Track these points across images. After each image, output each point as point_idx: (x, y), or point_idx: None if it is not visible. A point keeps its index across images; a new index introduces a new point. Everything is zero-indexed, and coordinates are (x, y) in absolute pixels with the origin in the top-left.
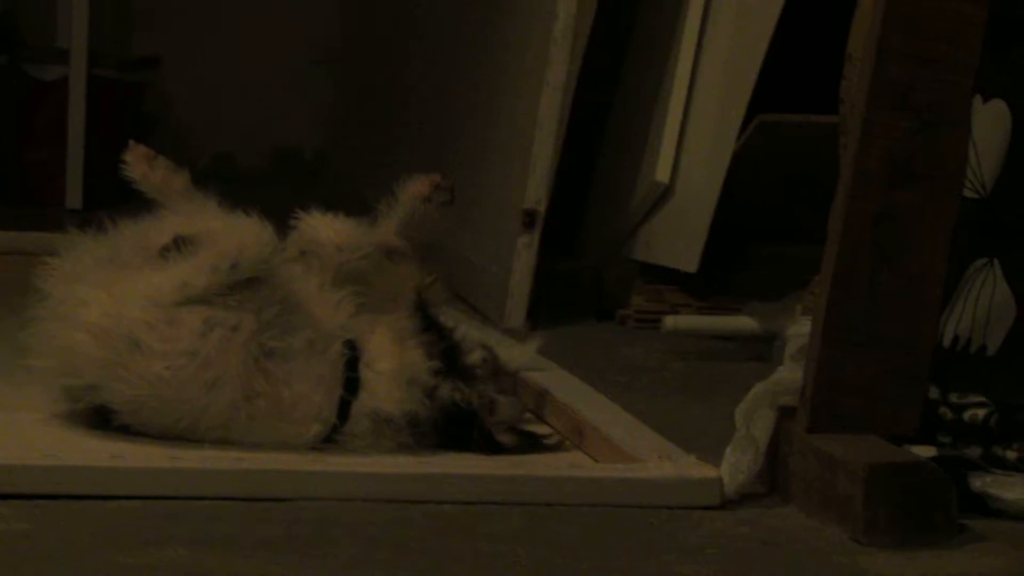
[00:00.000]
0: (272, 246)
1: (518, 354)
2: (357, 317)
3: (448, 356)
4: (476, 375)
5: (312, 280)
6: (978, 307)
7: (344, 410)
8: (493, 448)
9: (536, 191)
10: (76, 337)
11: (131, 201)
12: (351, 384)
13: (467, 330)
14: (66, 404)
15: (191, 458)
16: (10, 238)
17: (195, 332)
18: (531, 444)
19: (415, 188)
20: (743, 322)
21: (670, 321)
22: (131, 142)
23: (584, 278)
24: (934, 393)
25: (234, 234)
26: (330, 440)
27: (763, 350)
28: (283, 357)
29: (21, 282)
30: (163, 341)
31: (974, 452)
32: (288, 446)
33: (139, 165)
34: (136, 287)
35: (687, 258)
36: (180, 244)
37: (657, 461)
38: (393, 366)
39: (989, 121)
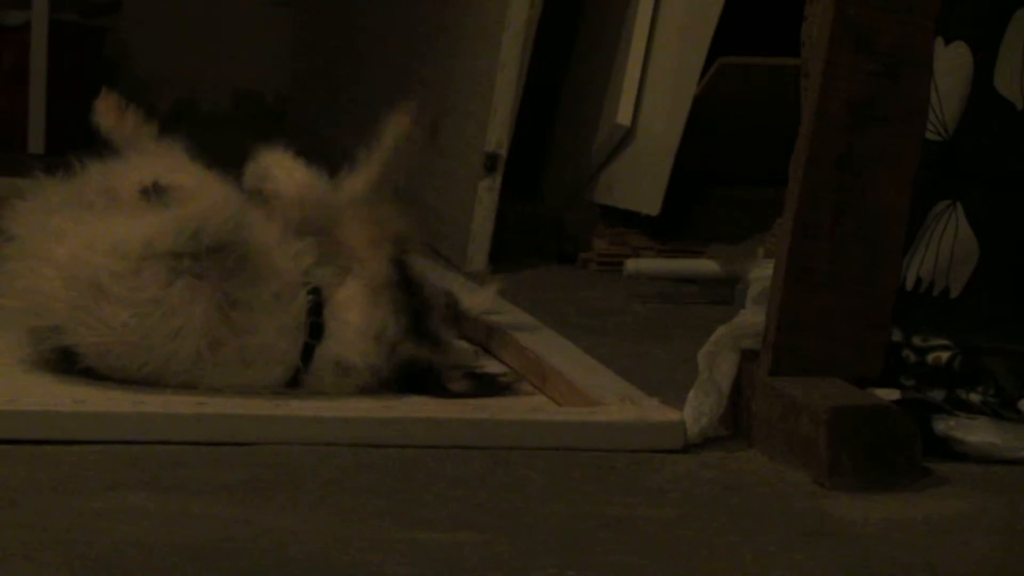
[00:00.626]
0: (237, 215)
1: (480, 299)
2: (325, 267)
3: (417, 314)
4: (439, 336)
5: (273, 228)
6: (940, 249)
7: (308, 355)
8: (447, 396)
9: (497, 135)
10: (44, 272)
11: (93, 145)
12: (315, 329)
13: (434, 280)
14: (31, 347)
15: (154, 403)
16: None
17: (160, 282)
18: (486, 387)
19: (396, 127)
20: (705, 265)
21: (632, 264)
22: (103, 91)
23: (546, 222)
24: (897, 336)
25: (203, 199)
26: (294, 383)
27: (725, 293)
28: (247, 307)
29: None
30: (128, 290)
31: (938, 395)
32: (252, 389)
33: (109, 115)
34: (103, 235)
35: (649, 201)
36: (156, 191)
37: (619, 404)
38: (360, 319)
39: (951, 63)
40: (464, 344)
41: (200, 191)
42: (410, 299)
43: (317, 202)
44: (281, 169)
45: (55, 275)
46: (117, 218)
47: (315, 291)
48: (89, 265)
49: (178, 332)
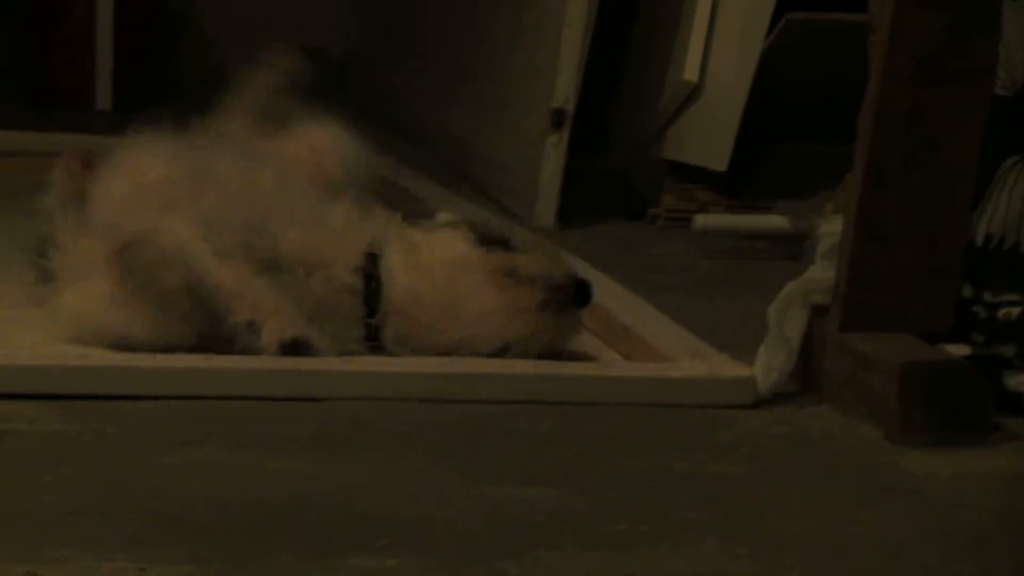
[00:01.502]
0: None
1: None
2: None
3: None
4: None
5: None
6: (1011, 205)
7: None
8: None
9: (564, 90)
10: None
11: (159, 102)
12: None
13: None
14: None
15: (224, 359)
16: (42, 139)
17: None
18: None
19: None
20: (774, 221)
21: (700, 220)
22: None
23: (613, 178)
24: (968, 291)
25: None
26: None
27: (794, 249)
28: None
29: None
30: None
31: (1009, 351)
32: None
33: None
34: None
35: (717, 157)
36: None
37: (689, 360)
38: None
39: (1019, 17)
40: None
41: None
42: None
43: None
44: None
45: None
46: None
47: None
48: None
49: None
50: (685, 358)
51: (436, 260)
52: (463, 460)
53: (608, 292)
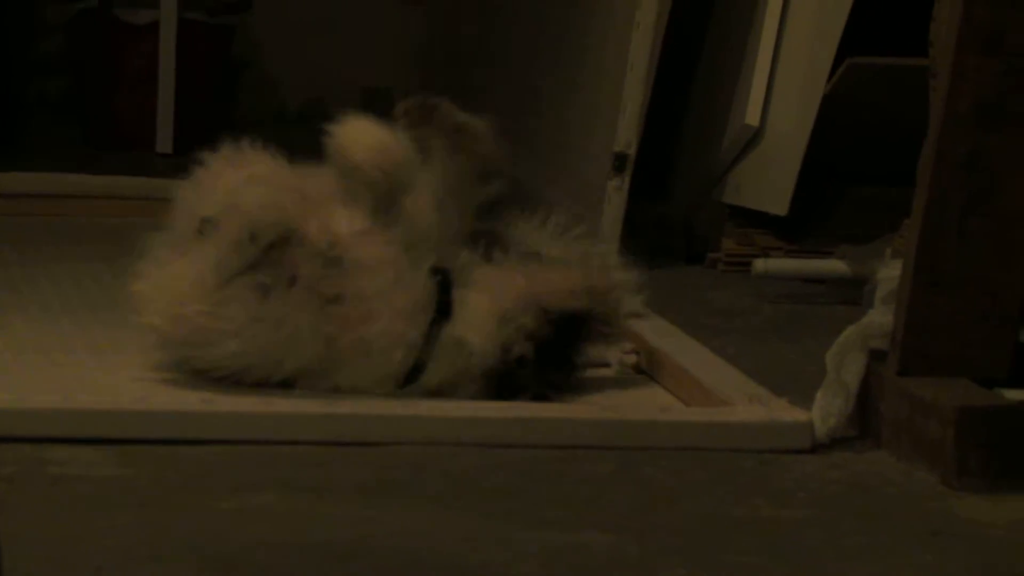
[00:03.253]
0: (278, 209)
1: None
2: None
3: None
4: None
5: (357, 212)
6: None
7: (430, 337)
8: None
9: (627, 134)
10: (152, 320)
11: (220, 146)
12: (442, 308)
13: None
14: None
15: (282, 403)
16: (107, 182)
17: (252, 300)
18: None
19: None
20: (834, 265)
21: (760, 264)
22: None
23: (674, 222)
24: None
25: (244, 203)
26: (416, 369)
27: (854, 293)
28: (360, 298)
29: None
30: (226, 321)
31: None
32: (378, 381)
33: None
34: (182, 277)
35: (777, 201)
36: (205, 225)
37: (748, 404)
38: (489, 303)
39: None
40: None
41: (239, 202)
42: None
43: (399, 165)
44: (355, 138)
45: (164, 323)
46: (187, 260)
47: (442, 272)
48: (187, 309)
49: (290, 338)
50: (743, 402)
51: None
52: (520, 504)
53: (667, 336)
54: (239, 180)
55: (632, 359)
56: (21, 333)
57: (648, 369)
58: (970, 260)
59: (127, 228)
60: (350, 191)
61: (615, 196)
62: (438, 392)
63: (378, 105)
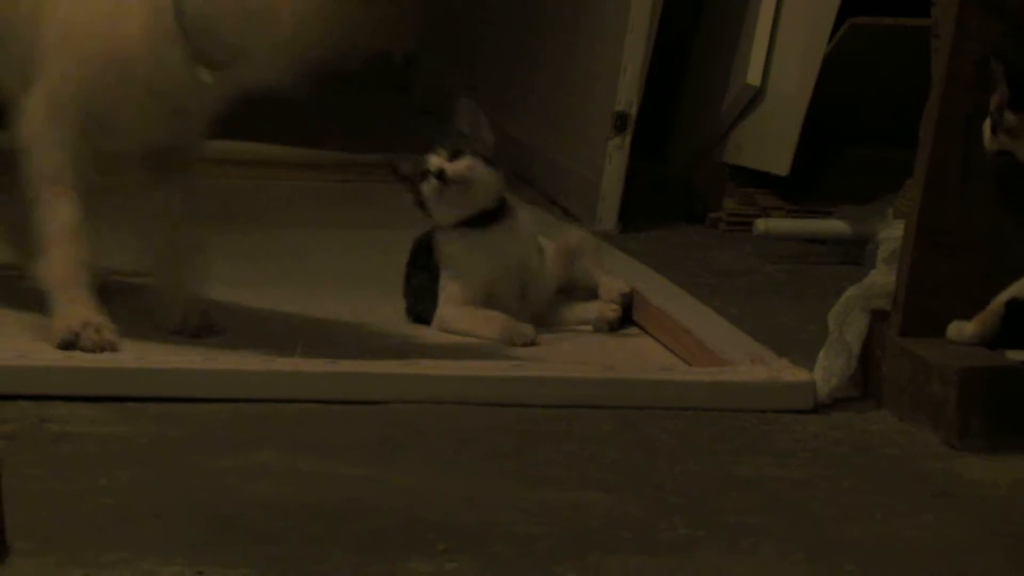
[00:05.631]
0: None
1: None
2: None
3: None
4: None
5: None
6: None
7: None
8: None
9: (627, 94)
10: None
11: None
12: None
13: None
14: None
15: (283, 361)
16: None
17: None
18: None
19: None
20: (835, 225)
21: (762, 224)
22: None
23: (675, 181)
24: None
25: None
26: None
27: (855, 253)
28: None
29: None
30: None
31: None
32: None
33: None
34: None
35: (778, 161)
36: None
37: (749, 364)
38: None
39: None
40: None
41: None
42: None
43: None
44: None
45: None
46: None
47: None
48: None
49: None
50: (745, 362)
51: None
52: (522, 464)
53: (668, 295)
54: None
55: (614, 314)
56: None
57: (643, 324)
58: (971, 221)
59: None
60: None
61: (616, 155)
62: None
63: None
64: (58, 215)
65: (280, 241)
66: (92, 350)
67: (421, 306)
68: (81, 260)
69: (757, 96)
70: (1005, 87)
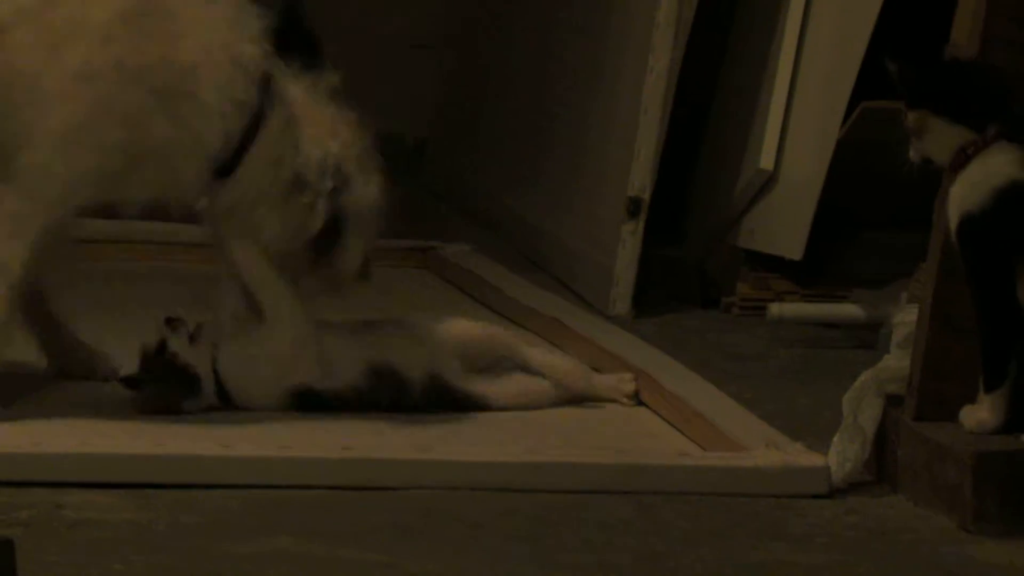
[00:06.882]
0: None
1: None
2: None
3: None
4: None
5: None
6: None
7: None
8: None
9: (641, 178)
10: None
11: None
12: None
13: None
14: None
15: (299, 447)
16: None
17: None
18: None
19: None
20: (849, 309)
21: (775, 309)
22: None
23: (688, 266)
24: None
25: None
26: None
27: (869, 338)
28: None
29: None
30: None
31: None
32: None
33: None
34: None
35: (792, 245)
36: None
37: (764, 449)
38: None
39: None
40: None
41: None
42: None
43: None
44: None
45: None
46: None
47: None
48: None
49: None
50: (760, 447)
51: None
52: (538, 549)
53: (682, 380)
54: None
55: (631, 388)
56: None
57: (656, 408)
58: None
59: None
60: None
61: (629, 240)
62: None
63: (388, 149)
64: None
65: None
66: None
67: None
68: None
69: (770, 180)
70: (901, 86)
